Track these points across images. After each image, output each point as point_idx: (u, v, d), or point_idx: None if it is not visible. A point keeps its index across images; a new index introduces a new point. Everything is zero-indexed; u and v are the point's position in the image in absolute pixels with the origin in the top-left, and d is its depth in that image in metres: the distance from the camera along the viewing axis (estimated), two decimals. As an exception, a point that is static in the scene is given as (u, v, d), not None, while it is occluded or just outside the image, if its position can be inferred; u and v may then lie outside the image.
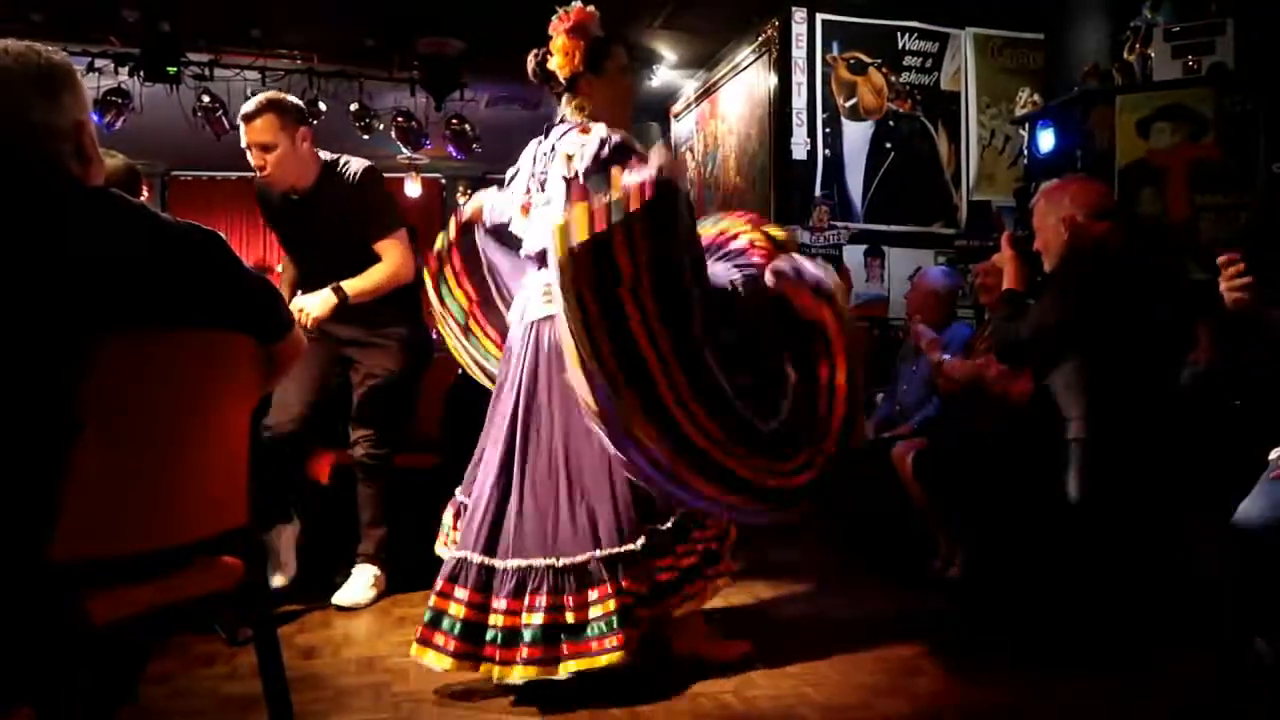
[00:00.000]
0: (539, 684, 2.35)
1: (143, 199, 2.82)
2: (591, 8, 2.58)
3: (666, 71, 6.55)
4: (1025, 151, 4.81)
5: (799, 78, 5.21)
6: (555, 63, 2.55)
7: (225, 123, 6.86)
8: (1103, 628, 2.64)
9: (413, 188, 9.50)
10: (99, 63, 6.20)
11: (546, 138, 2.64)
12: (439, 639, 2.36)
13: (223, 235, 1.65)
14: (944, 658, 2.70)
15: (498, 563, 2.38)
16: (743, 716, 2.30)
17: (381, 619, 3.12)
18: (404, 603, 3.31)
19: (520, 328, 2.59)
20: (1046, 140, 4.50)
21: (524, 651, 2.29)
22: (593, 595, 2.33)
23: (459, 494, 2.75)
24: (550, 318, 2.42)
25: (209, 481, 1.65)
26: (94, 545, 1.44)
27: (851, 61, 5.27)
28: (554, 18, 2.56)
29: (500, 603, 2.34)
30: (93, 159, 1.54)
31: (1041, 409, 2.78)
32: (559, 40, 2.53)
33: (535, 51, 2.61)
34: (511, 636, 2.31)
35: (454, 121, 7.30)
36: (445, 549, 2.67)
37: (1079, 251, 2.74)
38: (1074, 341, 2.67)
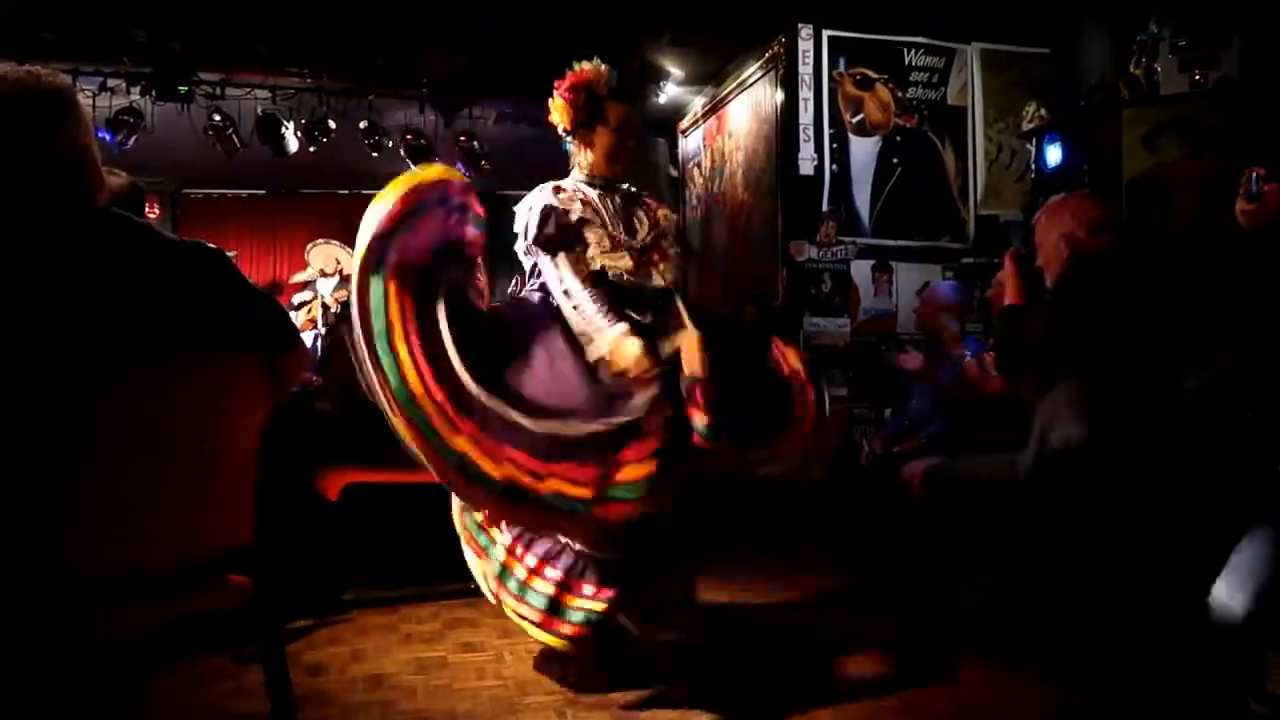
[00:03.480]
0: (541, 704, 2.39)
1: (151, 217, 2.84)
2: (598, 65, 2.75)
3: (674, 88, 6.56)
4: (1033, 166, 4.81)
5: (806, 93, 5.22)
6: (554, 116, 2.78)
7: (236, 141, 6.90)
8: (1120, 642, 2.62)
9: (422, 204, 9.51)
10: (111, 82, 6.24)
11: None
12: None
13: (229, 254, 1.66)
14: (953, 675, 2.69)
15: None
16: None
17: (389, 636, 3.12)
18: (411, 619, 3.31)
19: None
20: (1054, 154, 4.50)
21: None
22: None
23: None
24: None
25: (217, 499, 1.66)
26: (103, 563, 1.44)
27: (858, 77, 5.28)
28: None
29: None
30: (96, 181, 1.55)
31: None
32: (556, 98, 2.76)
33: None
34: None
35: (463, 139, 7.32)
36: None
37: (1079, 267, 2.74)
38: (1074, 355, 2.66)
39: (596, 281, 2.62)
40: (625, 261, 2.67)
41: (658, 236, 2.79)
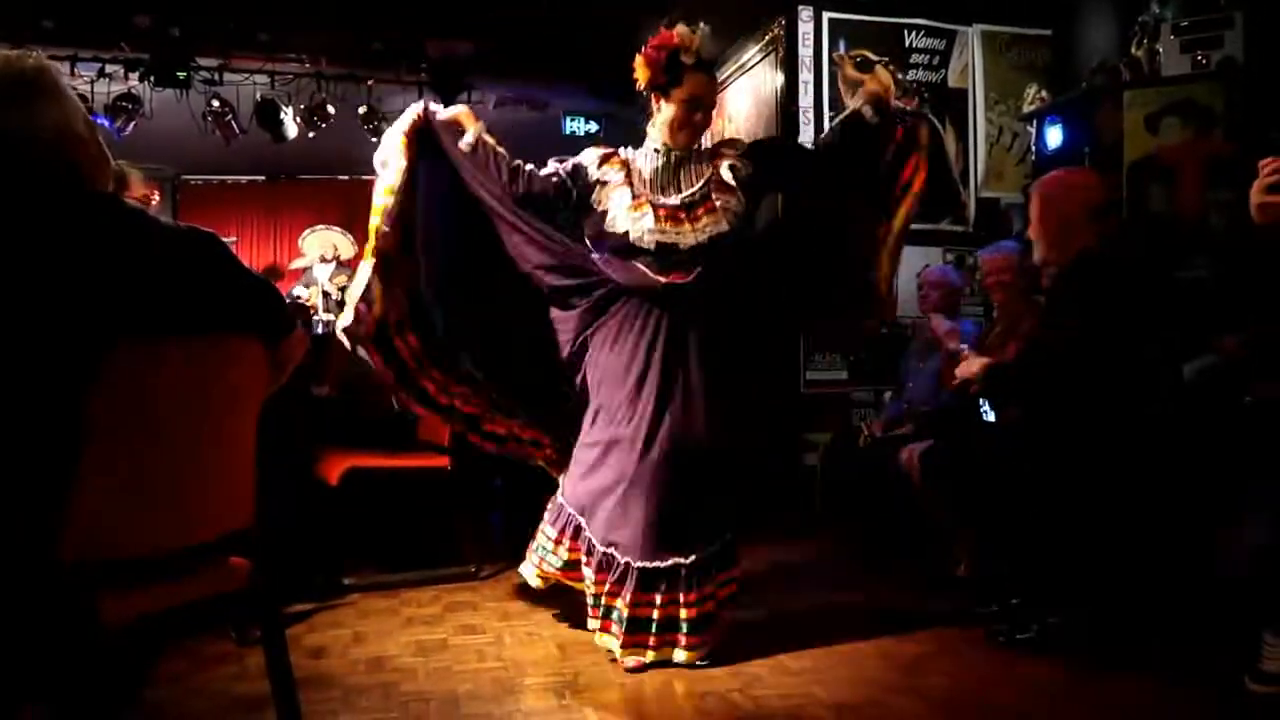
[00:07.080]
0: (541, 685, 2.41)
1: (154, 203, 2.84)
2: (692, 32, 2.74)
3: (673, 71, 6.56)
4: (1033, 148, 4.79)
5: (806, 76, 5.19)
6: (637, 72, 2.80)
7: (235, 127, 6.89)
8: (1119, 625, 2.63)
9: (422, 189, 9.48)
10: (110, 68, 6.23)
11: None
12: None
13: (229, 240, 1.66)
14: (954, 656, 2.70)
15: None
16: (750, 715, 2.30)
17: (390, 619, 3.13)
18: (412, 602, 3.32)
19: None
20: (1055, 136, 4.48)
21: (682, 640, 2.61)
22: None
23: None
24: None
25: (217, 483, 1.66)
26: (104, 547, 1.45)
27: (858, 59, 5.24)
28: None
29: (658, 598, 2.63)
30: (86, 165, 1.53)
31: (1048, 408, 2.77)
32: (641, 53, 2.78)
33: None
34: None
35: (462, 123, 7.31)
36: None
37: (1083, 253, 2.73)
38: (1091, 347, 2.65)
39: (615, 246, 2.74)
40: (647, 220, 2.72)
41: (707, 191, 2.79)
